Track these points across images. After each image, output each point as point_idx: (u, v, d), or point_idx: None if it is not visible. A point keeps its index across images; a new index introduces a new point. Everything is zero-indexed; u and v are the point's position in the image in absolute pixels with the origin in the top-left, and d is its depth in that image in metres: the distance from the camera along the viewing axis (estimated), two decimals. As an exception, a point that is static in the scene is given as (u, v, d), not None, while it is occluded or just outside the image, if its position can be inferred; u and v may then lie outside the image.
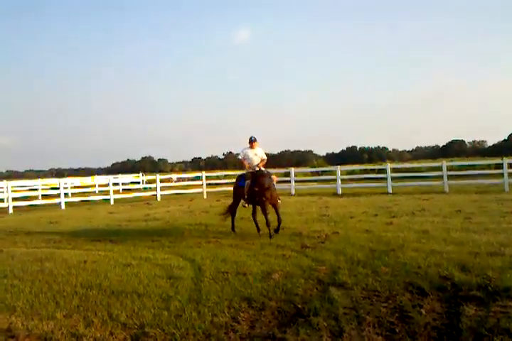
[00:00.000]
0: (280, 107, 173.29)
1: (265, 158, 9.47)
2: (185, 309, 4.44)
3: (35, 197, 23.73)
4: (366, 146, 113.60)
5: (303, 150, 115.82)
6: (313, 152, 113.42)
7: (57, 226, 12.37)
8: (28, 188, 27.29)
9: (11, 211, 19.03)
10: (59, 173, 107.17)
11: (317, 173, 27.09)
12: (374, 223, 9.73)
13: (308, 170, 30.79)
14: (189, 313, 4.31)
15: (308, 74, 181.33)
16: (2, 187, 23.18)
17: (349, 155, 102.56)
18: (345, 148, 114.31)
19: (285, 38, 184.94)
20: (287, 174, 22.46)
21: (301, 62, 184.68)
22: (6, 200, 20.12)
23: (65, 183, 24.86)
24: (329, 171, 24.64)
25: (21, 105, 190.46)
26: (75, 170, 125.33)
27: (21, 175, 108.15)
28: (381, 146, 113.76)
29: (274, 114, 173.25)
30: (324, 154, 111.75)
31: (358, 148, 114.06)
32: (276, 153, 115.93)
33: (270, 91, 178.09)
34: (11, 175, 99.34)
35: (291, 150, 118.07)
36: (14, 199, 20.30)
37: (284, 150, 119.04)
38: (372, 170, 23.86)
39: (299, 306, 4.40)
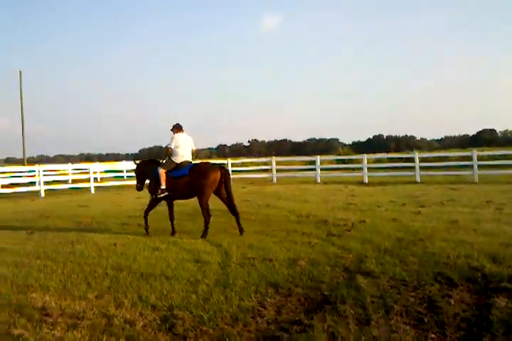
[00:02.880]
0: (306, 94, 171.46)
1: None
2: (212, 293, 4.51)
3: (66, 181, 24.33)
4: (393, 135, 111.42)
5: (328, 138, 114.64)
6: (339, 140, 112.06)
7: (87, 210, 12.69)
8: (59, 173, 27.98)
9: (42, 194, 19.60)
10: (88, 158, 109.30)
11: (343, 161, 26.80)
12: (401, 212, 9.60)
13: (334, 158, 30.54)
14: (217, 297, 4.37)
15: (337, 61, 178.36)
16: (34, 171, 23.89)
17: (376, 144, 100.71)
18: (371, 137, 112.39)
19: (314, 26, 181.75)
20: (313, 162, 22.35)
21: (326, 47, 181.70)
22: (38, 184, 20.74)
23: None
24: (355, 159, 24.36)
25: (55, 93, 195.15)
26: (104, 155, 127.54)
27: (52, 159, 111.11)
28: (409, 135, 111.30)
29: (299, 101, 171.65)
30: (350, 142, 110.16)
31: (384, 137, 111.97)
32: (301, 140, 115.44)
33: (296, 77, 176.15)
34: (41, 160, 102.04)
35: (317, 138, 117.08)
36: (46, 183, 20.87)
37: (309, 138, 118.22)
38: (400, 159, 23.45)
39: (326, 293, 4.40)
